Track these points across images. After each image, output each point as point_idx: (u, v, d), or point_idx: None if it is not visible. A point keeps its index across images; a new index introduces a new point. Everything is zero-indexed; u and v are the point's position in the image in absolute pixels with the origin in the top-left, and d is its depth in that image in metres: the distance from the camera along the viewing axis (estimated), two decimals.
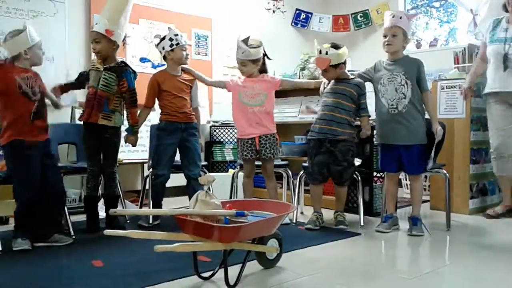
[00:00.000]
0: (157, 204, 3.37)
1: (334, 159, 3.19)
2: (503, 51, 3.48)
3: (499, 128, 3.56)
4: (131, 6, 3.31)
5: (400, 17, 3.07)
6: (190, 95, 3.43)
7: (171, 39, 3.29)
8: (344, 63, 3.21)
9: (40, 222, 2.78)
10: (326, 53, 3.14)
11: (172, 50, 3.29)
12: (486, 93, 3.63)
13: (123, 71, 3.16)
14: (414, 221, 3.08)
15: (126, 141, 3.26)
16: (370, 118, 3.27)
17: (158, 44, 3.35)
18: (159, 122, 3.40)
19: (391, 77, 3.10)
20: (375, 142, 3.53)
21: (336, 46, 3.17)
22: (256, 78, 3.32)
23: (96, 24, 3.14)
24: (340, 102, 3.18)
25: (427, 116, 3.16)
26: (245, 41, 3.23)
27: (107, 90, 3.11)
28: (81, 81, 3.22)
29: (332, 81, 3.29)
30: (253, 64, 3.27)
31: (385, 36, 3.12)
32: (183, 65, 3.42)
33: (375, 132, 3.40)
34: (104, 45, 3.10)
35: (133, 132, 3.24)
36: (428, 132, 3.11)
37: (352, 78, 3.25)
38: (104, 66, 3.12)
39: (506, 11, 3.59)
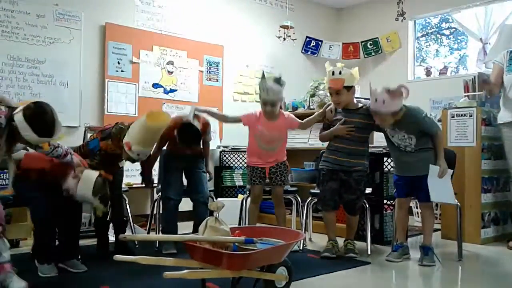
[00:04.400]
0: (171, 229, 3.28)
1: (348, 188, 3.17)
2: None
3: None
4: None
5: (383, 101, 2.86)
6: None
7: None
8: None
9: (62, 240, 2.78)
10: (340, 73, 3.12)
11: None
12: (506, 122, 3.60)
13: None
14: (425, 250, 3.04)
15: None
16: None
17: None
18: (165, 149, 3.46)
19: (393, 133, 3.07)
20: (385, 170, 3.51)
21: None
22: (275, 121, 3.22)
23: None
24: (355, 135, 3.14)
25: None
26: (278, 81, 3.13)
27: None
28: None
29: (341, 110, 3.26)
30: (280, 102, 3.24)
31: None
32: (198, 108, 3.37)
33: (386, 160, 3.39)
34: None
35: None
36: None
37: (360, 107, 3.22)
38: None
39: None
